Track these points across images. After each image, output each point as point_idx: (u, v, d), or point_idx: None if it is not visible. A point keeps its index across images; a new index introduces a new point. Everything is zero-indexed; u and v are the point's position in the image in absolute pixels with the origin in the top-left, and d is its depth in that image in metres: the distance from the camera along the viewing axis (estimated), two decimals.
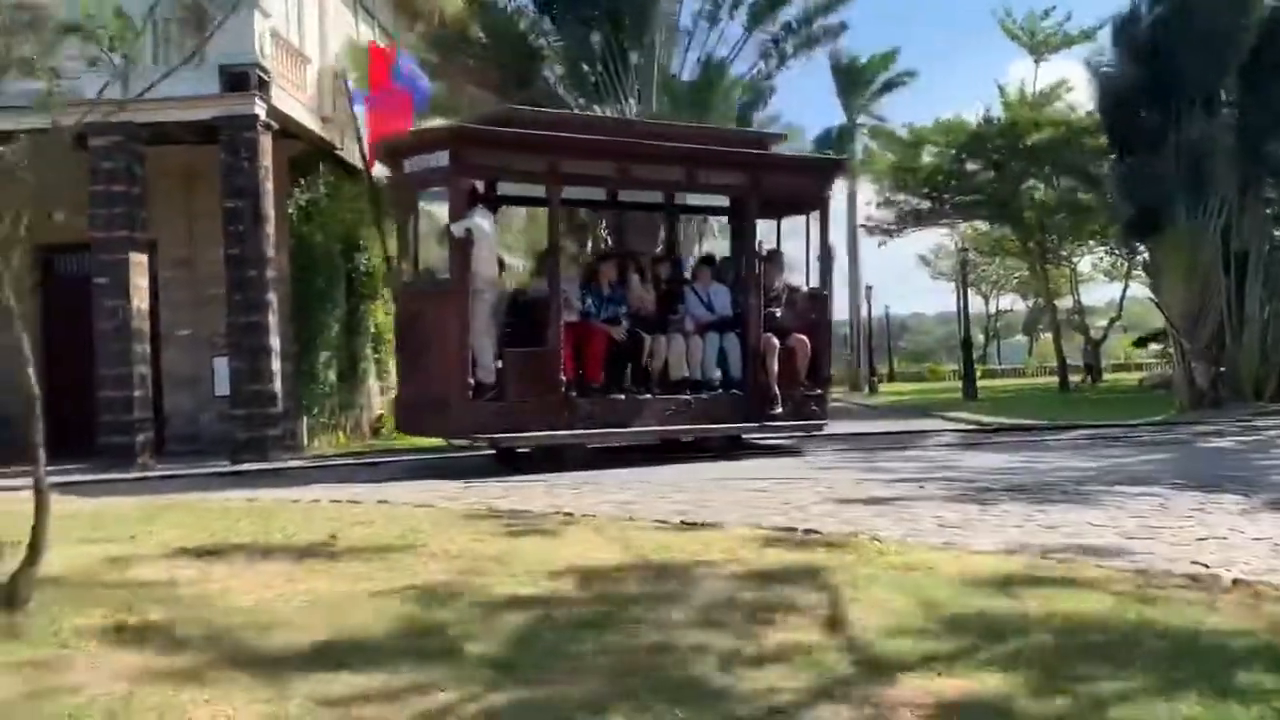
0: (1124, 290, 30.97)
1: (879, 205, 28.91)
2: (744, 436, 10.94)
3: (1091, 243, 29.97)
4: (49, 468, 4.45)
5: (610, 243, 16.98)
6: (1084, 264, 33.95)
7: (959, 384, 27.13)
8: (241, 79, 12.04)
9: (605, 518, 6.27)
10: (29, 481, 5.09)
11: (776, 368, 10.53)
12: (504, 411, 9.49)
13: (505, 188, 11.09)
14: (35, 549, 4.13)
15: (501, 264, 10.83)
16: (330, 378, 14.46)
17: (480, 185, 10.41)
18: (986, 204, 26.53)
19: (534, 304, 10.08)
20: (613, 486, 7.93)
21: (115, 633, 3.90)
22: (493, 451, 10.27)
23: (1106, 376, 34.04)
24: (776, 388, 10.51)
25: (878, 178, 28.67)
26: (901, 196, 27.95)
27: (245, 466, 10.87)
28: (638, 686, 3.37)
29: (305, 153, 14.19)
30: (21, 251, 4.39)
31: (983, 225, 31.61)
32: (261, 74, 12.29)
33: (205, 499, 7.38)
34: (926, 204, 27.63)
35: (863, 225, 31.94)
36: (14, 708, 3.23)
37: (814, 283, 11.60)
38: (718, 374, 10.67)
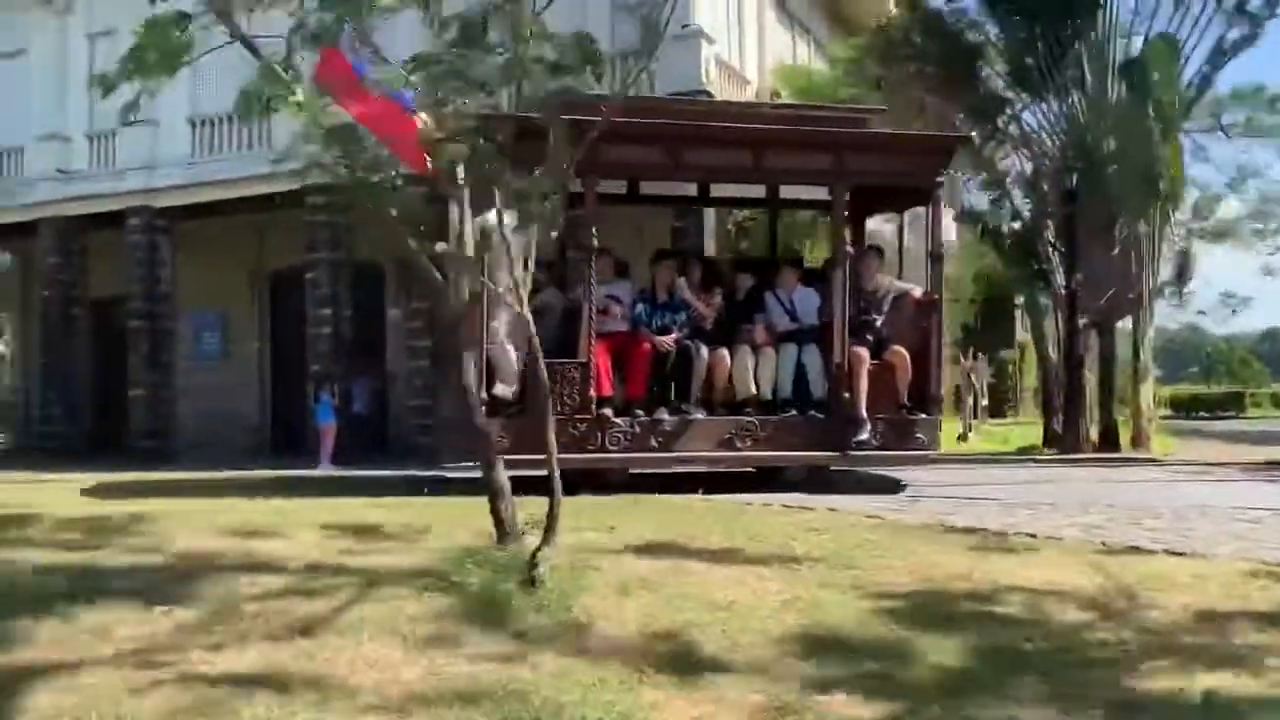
0: None
1: None
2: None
3: None
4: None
5: None
6: None
7: None
8: None
9: (1072, 541, 5.89)
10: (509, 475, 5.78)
11: (865, 386, 8.89)
12: (523, 431, 8.23)
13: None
14: (550, 531, 4.69)
15: (556, 268, 9.49)
16: None
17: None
18: None
19: (580, 311, 8.95)
20: (1074, 508, 7.44)
21: (612, 611, 4.33)
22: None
23: None
24: (864, 410, 8.87)
25: None
26: None
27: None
28: None
29: None
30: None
31: None
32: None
33: (667, 499, 7.90)
34: None
35: None
36: (540, 671, 3.69)
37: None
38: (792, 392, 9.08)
